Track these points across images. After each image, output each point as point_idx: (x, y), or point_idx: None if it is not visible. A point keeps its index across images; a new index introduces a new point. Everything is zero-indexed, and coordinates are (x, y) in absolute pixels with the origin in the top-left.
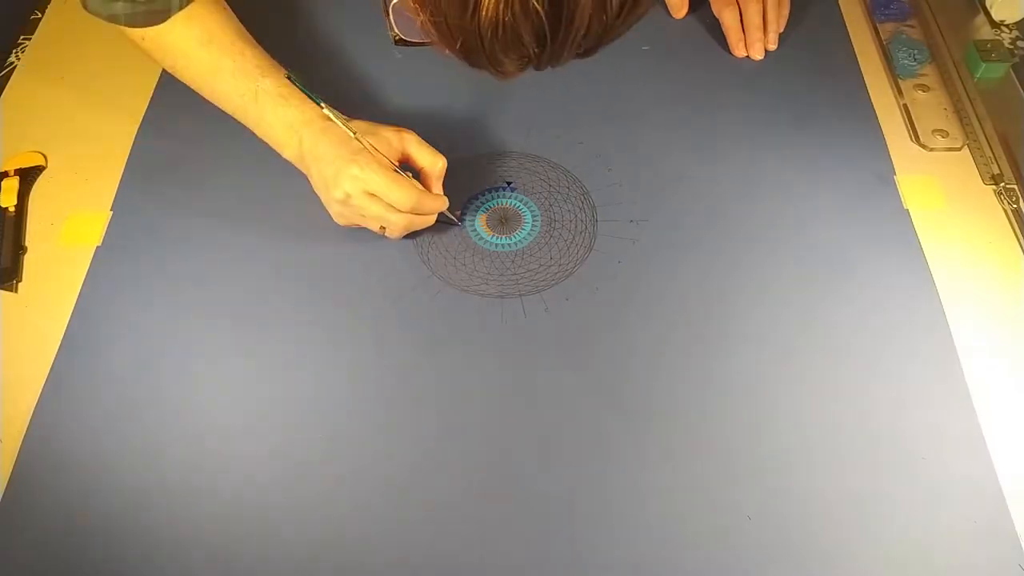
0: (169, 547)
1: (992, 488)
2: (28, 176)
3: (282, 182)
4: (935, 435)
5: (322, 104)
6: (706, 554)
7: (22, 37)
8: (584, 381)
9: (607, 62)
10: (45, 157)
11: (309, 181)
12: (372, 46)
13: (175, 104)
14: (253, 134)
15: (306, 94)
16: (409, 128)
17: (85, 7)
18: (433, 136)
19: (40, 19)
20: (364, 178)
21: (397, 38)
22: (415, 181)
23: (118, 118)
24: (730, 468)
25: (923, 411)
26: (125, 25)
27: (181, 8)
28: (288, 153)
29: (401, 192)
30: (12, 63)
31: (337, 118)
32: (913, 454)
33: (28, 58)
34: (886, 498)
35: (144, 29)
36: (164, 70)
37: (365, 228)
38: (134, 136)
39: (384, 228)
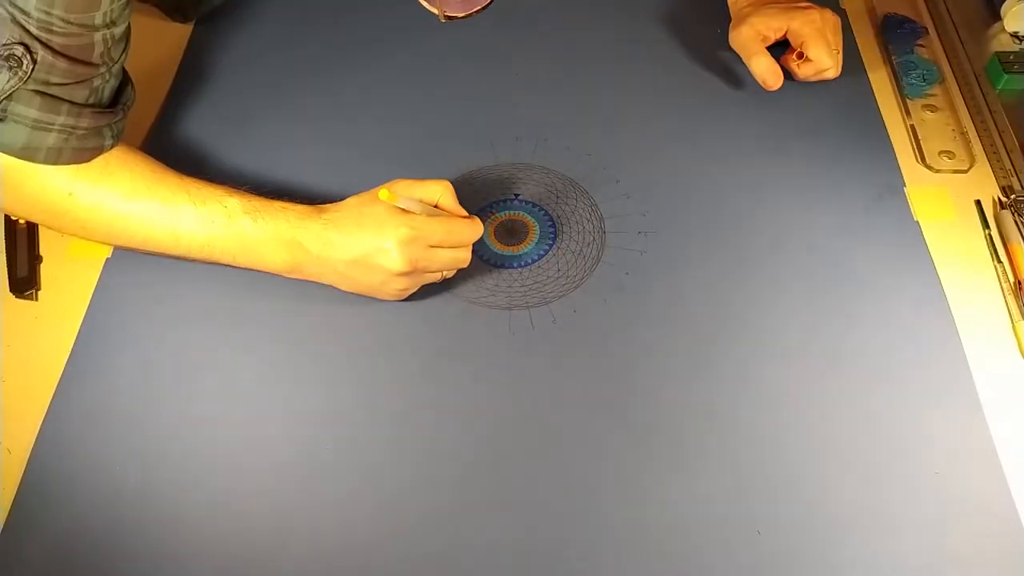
0: (178, 557)
1: (1005, 502)
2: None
3: (290, 194)
4: (947, 449)
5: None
6: (715, 569)
7: None
8: (592, 393)
9: (616, 74)
10: None
11: (331, 284)
12: (378, 61)
13: (185, 116)
14: (268, 128)
15: None
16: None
17: None
18: (441, 149)
19: None
20: (422, 234)
21: (444, 15)
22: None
23: (128, 129)
24: (739, 482)
25: (935, 424)
26: (44, 162)
27: (112, 147)
28: (281, 266)
29: (460, 227)
30: None
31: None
32: (925, 468)
33: None
34: (898, 513)
35: (74, 181)
36: (174, 83)
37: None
38: (143, 147)
39: (450, 272)
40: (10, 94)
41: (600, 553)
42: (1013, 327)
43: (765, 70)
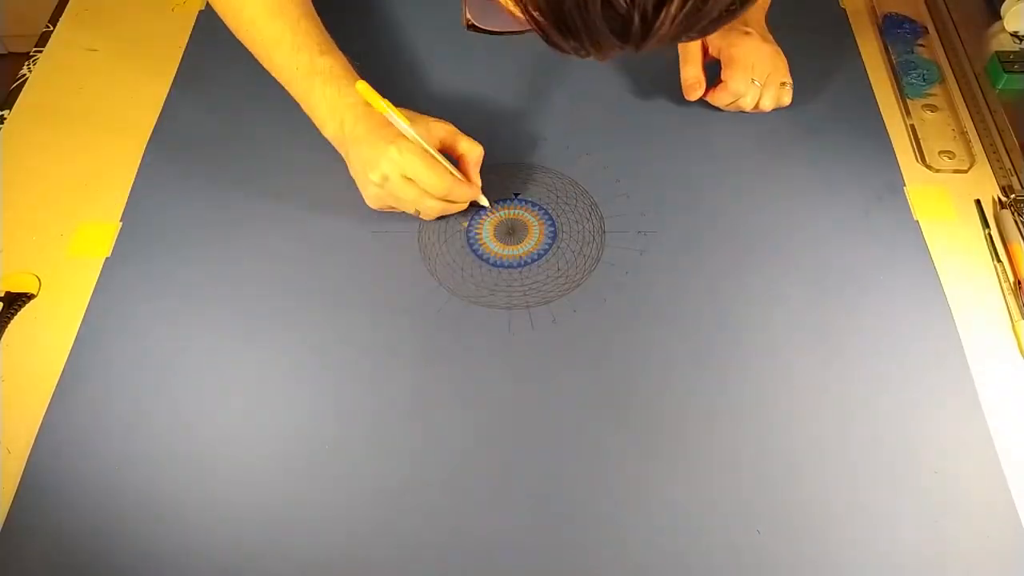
0: (178, 557)
1: (1005, 501)
2: (14, 303)
3: (290, 194)
4: (947, 448)
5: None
6: (715, 569)
7: (34, 49)
8: (591, 393)
9: (616, 73)
10: (39, 281)
11: (347, 164)
12: (377, 60)
13: (185, 116)
14: (269, 127)
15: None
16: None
17: None
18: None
19: (52, 32)
20: (402, 161)
21: (469, 23)
22: (452, 168)
23: (129, 129)
24: (739, 482)
25: (935, 423)
26: None
27: None
28: (328, 132)
29: (436, 178)
30: (24, 75)
31: (392, 111)
32: (925, 467)
33: (40, 69)
34: (898, 512)
35: None
36: (175, 83)
37: (394, 215)
38: (144, 147)
39: (418, 212)
40: None
41: (600, 552)
42: (1013, 327)
43: (687, 77)
